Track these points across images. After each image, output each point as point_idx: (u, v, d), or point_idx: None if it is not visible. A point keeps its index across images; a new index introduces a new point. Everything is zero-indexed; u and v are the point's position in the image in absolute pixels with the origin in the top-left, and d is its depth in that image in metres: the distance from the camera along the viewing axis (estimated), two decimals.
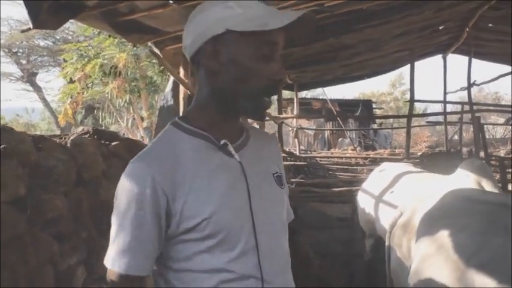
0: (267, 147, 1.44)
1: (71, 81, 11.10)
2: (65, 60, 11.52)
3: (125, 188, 1.20)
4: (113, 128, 13.28)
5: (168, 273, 1.25)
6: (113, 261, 1.20)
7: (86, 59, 10.27)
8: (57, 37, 18.10)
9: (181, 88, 3.85)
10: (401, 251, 2.95)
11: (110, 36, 9.14)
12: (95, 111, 14.45)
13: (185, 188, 1.18)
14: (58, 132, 13.40)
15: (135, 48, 9.47)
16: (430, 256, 2.50)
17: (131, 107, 11.99)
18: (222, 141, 1.26)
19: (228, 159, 1.27)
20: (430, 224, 2.67)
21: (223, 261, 1.20)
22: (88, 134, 2.42)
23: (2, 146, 1.71)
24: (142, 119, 12.12)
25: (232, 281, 1.20)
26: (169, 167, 1.20)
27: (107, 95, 11.11)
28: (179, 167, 1.20)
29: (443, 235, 2.49)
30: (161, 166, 1.19)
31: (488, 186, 3.66)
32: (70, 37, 17.22)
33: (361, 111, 18.80)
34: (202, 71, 1.30)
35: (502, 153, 12.22)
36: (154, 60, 10.53)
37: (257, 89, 1.24)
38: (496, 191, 3.64)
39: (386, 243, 3.24)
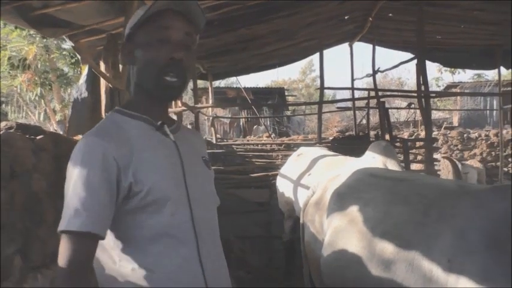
0: (194, 137, 1.68)
1: None
2: None
3: (77, 159, 1.31)
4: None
5: (118, 245, 1.36)
6: (67, 222, 1.24)
7: None
8: None
9: (103, 81, 3.88)
10: (314, 226, 3.20)
11: (16, 27, 8.76)
12: (3, 105, 13.73)
13: (133, 159, 1.34)
14: None
15: (44, 40, 9.15)
16: (341, 229, 2.77)
17: (43, 101, 11.53)
18: (159, 122, 1.46)
19: (164, 138, 1.46)
20: (340, 199, 2.94)
21: (165, 225, 1.36)
22: (13, 129, 2.44)
23: None
24: (54, 112, 11.70)
25: (174, 246, 1.36)
26: (118, 141, 1.35)
27: (15, 88, 10.66)
28: (126, 141, 1.37)
29: (352, 209, 2.78)
30: (111, 139, 1.35)
31: (392, 165, 4.04)
32: None
33: (274, 99, 19.24)
34: (129, 68, 1.52)
35: (405, 135, 13.07)
36: (65, 52, 10.24)
37: (156, 71, 1.41)
38: (399, 169, 4.02)
39: (301, 221, 3.48)
